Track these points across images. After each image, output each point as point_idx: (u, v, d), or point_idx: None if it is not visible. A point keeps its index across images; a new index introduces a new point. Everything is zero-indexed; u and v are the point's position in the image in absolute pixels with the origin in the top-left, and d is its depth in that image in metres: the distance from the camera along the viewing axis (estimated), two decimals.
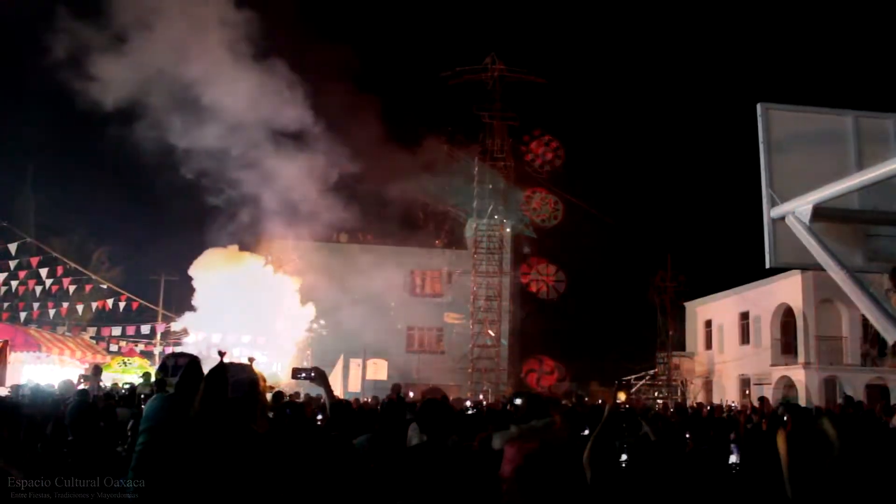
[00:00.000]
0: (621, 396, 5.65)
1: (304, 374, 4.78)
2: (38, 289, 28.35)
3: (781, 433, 1.80)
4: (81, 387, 12.26)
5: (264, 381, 3.25)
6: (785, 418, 11.63)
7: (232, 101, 27.37)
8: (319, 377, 4.60)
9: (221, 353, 3.24)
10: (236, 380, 3.12)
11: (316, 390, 5.60)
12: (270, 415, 4.30)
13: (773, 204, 6.85)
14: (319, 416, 5.73)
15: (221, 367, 3.17)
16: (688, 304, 37.80)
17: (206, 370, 3.76)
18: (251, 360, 3.27)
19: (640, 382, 34.66)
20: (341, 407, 5.57)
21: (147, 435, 3.63)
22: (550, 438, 3.56)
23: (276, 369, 25.29)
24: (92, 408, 5.88)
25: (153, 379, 6.01)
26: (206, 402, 3.03)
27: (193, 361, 3.97)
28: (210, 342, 27.59)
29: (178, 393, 3.78)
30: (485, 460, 4.11)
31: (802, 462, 1.69)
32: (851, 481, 1.59)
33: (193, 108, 26.73)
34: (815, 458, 1.67)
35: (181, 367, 3.91)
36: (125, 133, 26.63)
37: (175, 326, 29.32)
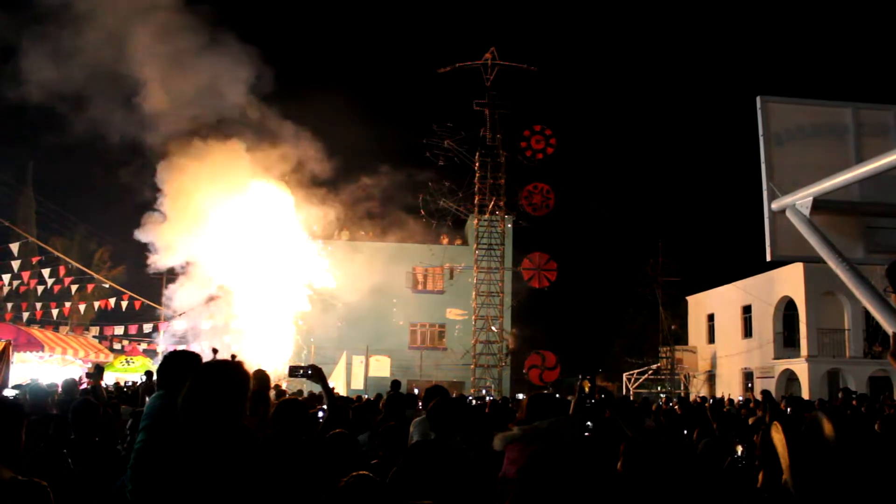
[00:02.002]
0: (586, 387, 5.83)
1: (301, 372, 4.78)
2: (41, 288, 28.40)
3: (777, 426, 1.79)
4: (84, 385, 12.29)
5: (256, 379, 3.25)
6: (788, 411, 11.68)
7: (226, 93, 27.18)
8: (316, 374, 4.61)
9: (215, 351, 3.25)
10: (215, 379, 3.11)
11: (318, 387, 5.61)
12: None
13: (774, 197, 6.85)
14: (321, 414, 5.75)
15: (209, 365, 3.16)
16: (689, 298, 37.85)
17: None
18: (233, 356, 3.27)
19: (644, 377, 34.74)
20: (341, 404, 5.58)
21: (145, 433, 3.64)
22: (554, 440, 3.51)
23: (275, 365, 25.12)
24: (95, 406, 5.88)
25: (154, 377, 6.00)
26: (189, 400, 3.03)
27: (186, 358, 3.97)
28: (198, 330, 27.46)
29: (173, 391, 3.79)
30: (489, 459, 4.10)
31: (803, 455, 1.68)
32: (851, 476, 1.58)
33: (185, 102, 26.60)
34: (815, 452, 1.66)
35: (176, 365, 3.92)
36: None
37: (177, 325, 29.32)
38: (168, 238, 26.29)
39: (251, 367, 3.42)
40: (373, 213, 35.40)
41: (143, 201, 26.46)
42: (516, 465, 3.34)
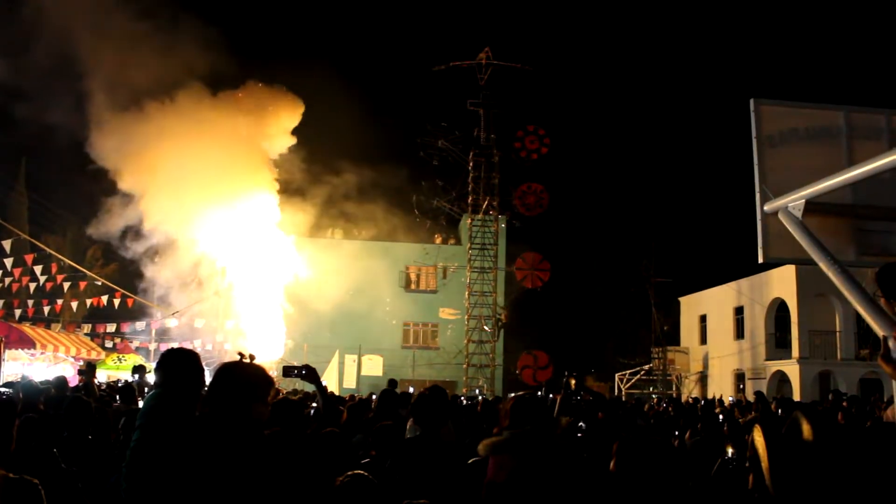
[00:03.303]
0: (571, 384, 6.00)
1: (295, 372, 4.80)
2: (33, 286, 28.31)
3: (758, 429, 1.80)
4: (76, 383, 12.25)
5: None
6: (779, 412, 11.72)
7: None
8: (310, 374, 4.61)
9: (241, 355, 3.25)
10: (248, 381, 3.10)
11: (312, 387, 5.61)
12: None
13: (766, 199, 6.86)
14: (312, 412, 5.75)
15: (234, 367, 3.14)
16: (682, 299, 37.94)
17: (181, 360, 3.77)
18: (252, 357, 3.26)
19: (636, 378, 34.79)
20: (334, 404, 5.59)
21: (140, 432, 3.64)
22: (544, 442, 3.44)
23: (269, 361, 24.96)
24: (88, 404, 5.88)
25: (149, 374, 5.98)
26: (215, 402, 3.02)
27: (187, 356, 3.96)
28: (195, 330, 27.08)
29: (170, 389, 3.79)
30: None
31: (782, 456, 1.69)
32: (829, 476, 1.59)
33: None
34: (794, 452, 1.67)
35: (175, 363, 3.91)
36: None
37: (170, 323, 29.24)
38: (148, 211, 25.30)
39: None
40: (366, 211, 35.39)
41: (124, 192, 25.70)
42: (506, 470, 3.29)
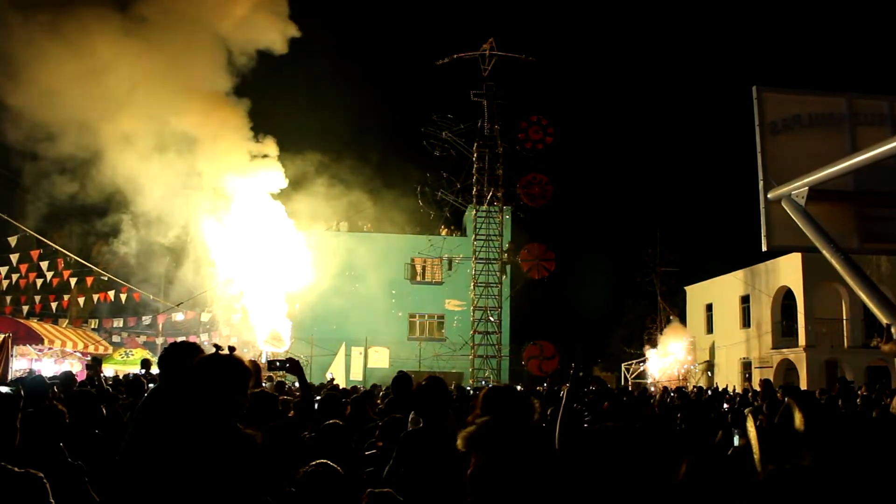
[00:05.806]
0: (578, 376, 6.18)
1: (279, 365, 4.80)
2: (39, 282, 28.39)
3: (749, 415, 1.80)
4: (82, 378, 12.32)
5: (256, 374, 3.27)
6: (784, 401, 11.70)
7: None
8: (294, 367, 4.62)
9: (218, 347, 3.26)
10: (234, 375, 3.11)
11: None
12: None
13: (769, 186, 6.84)
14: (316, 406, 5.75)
15: (209, 359, 3.17)
16: (688, 288, 37.86)
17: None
18: (232, 349, 3.28)
19: (642, 367, 34.78)
20: (316, 397, 5.58)
21: (133, 426, 3.67)
22: (510, 435, 3.39)
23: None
24: (95, 398, 5.91)
25: (154, 369, 6.01)
26: (187, 396, 3.04)
27: (186, 350, 3.97)
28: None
29: (171, 383, 3.80)
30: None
31: (772, 444, 1.69)
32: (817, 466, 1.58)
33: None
34: (784, 440, 1.66)
35: (172, 358, 3.92)
36: None
37: (177, 317, 29.31)
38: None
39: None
40: (371, 203, 35.38)
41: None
42: (478, 464, 3.25)
